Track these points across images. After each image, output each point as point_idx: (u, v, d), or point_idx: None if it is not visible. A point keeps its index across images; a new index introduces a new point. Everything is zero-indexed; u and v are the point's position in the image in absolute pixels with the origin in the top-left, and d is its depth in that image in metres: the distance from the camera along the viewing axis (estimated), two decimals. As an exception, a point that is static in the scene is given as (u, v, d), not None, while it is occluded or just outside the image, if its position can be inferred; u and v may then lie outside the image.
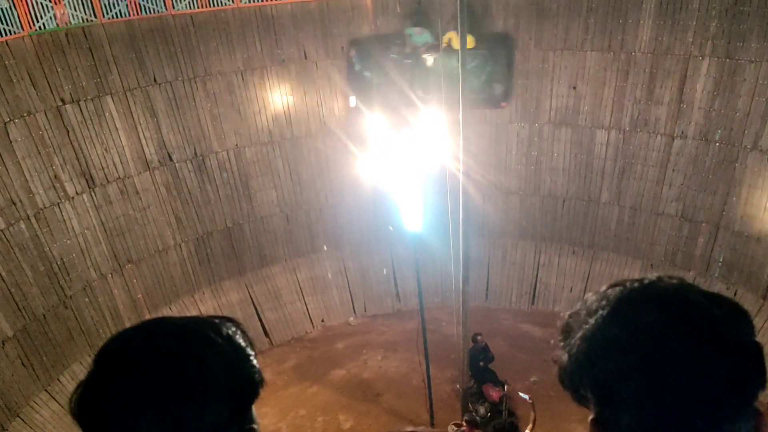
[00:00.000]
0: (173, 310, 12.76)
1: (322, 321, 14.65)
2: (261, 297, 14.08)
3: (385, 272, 14.78)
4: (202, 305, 13.26)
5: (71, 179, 11.12)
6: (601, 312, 0.93)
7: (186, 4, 11.97)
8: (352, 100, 13.46)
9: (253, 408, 1.01)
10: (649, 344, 0.86)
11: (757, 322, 11.15)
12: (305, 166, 13.98)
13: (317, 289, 14.63)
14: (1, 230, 9.96)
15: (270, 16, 12.73)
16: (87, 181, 11.37)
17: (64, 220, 10.99)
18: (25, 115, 10.31)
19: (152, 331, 0.95)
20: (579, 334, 0.94)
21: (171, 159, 12.52)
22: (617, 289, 0.95)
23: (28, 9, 10.30)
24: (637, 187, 13.22)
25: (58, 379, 10.85)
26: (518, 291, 14.80)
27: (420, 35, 13.06)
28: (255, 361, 1.01)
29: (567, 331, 0.98)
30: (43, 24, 10.53)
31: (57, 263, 10.88)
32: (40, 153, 10.57)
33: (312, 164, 14.01)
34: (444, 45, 12.24)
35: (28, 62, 10.25)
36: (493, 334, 12.85)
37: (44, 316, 10.67)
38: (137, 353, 0.91)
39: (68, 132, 10.98)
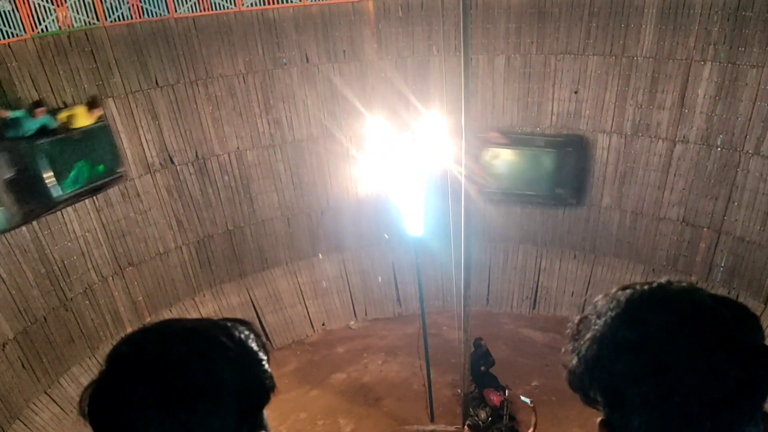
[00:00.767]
0: (174, 313, 12.73)
1: (323, 324, 14.62)
2: (262, 300, 14.07)
3: (380, 280, 14.74)
4: (203, 308, 13.25)
5: (73, 181, 11.12)
6: (610, 314, 0.92)
7: (188, 8, 12.00)
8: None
9: (265, 412, 1.01)
10: (659, 346, 0.86)
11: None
12: (306, 170, 13.98)
13: (318, 293, 14.61)
14: (2, 232, 9.96)
15: (272, 20, 12.75)
16: (88, 183, 11.36)
17: (65, 223, 10.98)
18: (27, 117, 10.31)
19: (163, 335, 0.95)
20: (588, 336, 0.93)
21: (172, 162, 12.53)
22: (627, 291, 0.94)
23: (31, 11, 10.31)
24: (638, 192, 13.20)
25: (59, 382, 10.84)
26: (519, 295, 14.78)
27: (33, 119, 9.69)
28: (267, 366, 1.01)
29: (576, 334, 0.97)
30: (46, 27, 10.55)
31: (58, 265, 10.87)
32: (41, 155, 10.57)
33: (313, 167, 14.01)
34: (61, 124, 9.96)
35: (30, 65, 10.26)
36: (494, 338, 12.82)
37: (45, 318, 10.66)
38: (147, 357, 0.91)
39: (70, 134, 10.97)
